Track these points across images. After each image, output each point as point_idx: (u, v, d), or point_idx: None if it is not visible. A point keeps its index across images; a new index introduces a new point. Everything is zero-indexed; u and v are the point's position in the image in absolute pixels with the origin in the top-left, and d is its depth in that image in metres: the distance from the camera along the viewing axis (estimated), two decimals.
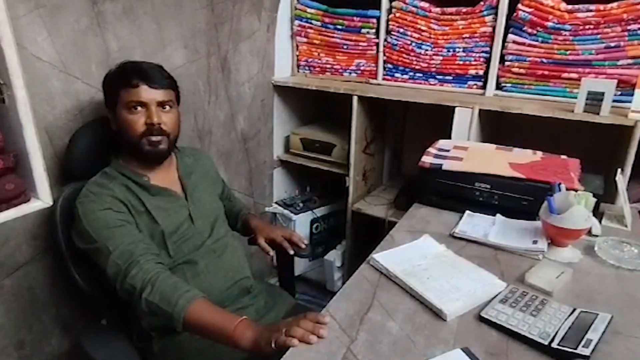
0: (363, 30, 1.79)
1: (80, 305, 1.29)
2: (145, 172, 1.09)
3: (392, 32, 1.74)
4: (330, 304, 0.88)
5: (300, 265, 2.17)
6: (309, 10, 1.87)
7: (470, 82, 1.67)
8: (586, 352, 0.71)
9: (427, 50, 1.69)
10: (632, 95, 1.29)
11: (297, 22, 1.93)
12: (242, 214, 1.38)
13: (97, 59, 1.24)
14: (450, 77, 1.70)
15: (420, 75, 1.75)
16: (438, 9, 1.63)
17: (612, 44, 1.38)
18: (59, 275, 1.22)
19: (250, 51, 1.77)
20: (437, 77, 1.72)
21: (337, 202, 2.15)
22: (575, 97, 1.37)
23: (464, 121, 1.51)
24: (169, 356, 1.05)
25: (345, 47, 1.86)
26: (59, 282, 1.23)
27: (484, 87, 1.64)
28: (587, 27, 1.40)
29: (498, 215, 1.20)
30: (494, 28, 1.54)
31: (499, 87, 1.61)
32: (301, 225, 2.07)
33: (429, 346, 0.77)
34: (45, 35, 1.11)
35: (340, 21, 1.82)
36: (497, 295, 0.88)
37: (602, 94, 1.32)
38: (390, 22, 1.73)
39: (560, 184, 1.08)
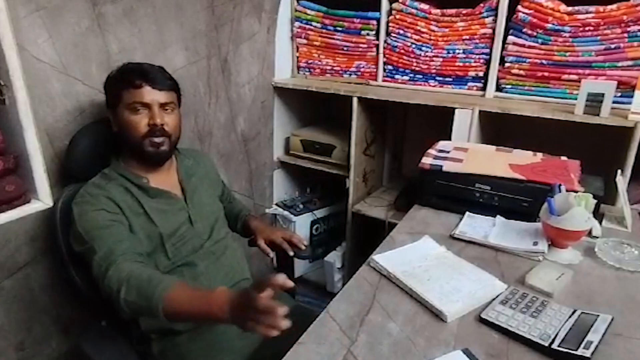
0: (363, 32, 1.79)
1: (80, 306, 1.29)
2: (145, 174, 1.09)
3: (392, 34, 1.74)
4: (330, 305, 0.88)
5: (301, 267, 2.17)
6: (309, 11, 1.88)
7: (470, 84, 1.67)
8: (587, 353, 0.71)
9: (427, 51, 1.69)
10: (632, 96, 1.29)
11: (297, 24, 1.93)
12: (242, 215, 1.38)
13: (97, 61, 1.24)
14: (450, 79, 1.70)
15: (420, 76, 1.76)
16: (438, 11, 1.64)
17: (612, 46, 1.39)
18: (59, 277, 1.22)
19: (251, 53, 1.78)
20: (437, 78, 1.73)
21: (337, 203, 2.15)
22: (575, 99, 1.38)
23: (464, 122, 1.51)
24: (168, 358, 1.05)
25: (345, 48, 1.86)
26: (59, 284, 1.23)
27: (484, 88, 1.64)
28: (586, 28, 1.41)
29: (498, 216, 1.20)
30: (493, 30, 1.55)
31: (499, 88, 1.62)
32: (301, 226, 2.07)
33: (430, 347, 0.76)
34: (46, 37, 1.11)
35: (340, 23, 1.82)
36: (497, 296, 0.88)
37: (602, 95, 1.32)
38: (390, 24, 1.74)
39: (560, 185, 1.08)
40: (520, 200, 1.18)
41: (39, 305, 1.22)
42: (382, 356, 0.75)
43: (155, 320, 0.86)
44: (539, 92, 1.54)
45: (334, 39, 1.87)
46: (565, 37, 1.44)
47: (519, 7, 1.48)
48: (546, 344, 0.74)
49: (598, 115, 1.33)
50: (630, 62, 1.38)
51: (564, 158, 1.31)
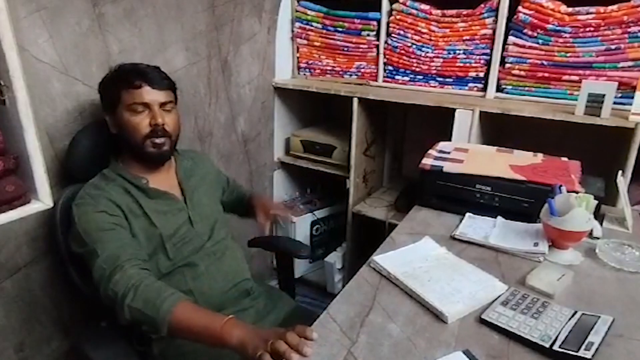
0: (363, 33, 1.79)
1: (80, 307, 1.28)
2: (144, 175, 1.09)
3: (393, 35, 1.74)
4: (330, 306, 0.88)
5: (301, 267, 2.17)
6: (309, 12, 1.88)
7: (470, 84, 1.67)
8: (588, 354, 0.70)
9: (427, 52, 1.69)
10: (632, 97, 1.29)
11: (297, 24, 1.93)
12: (247, 195, 1.41)
13: (98, 61, 1.24)
14: (451, 79, 1.70)
15: (421, 77, 1.76)
16: (438, 11, 1.64)
17: (613, 46, 1.38)
18: (59, 277, 1.22)
19: (251, 53, 1.78)
20: (438, 79, 1.73)
21: (338, 204, 2.15)
22: (576, 100, 1.38)
23: (464, 123, 1.51)
24: (168, 358, 1.05)
25: (345, 49, 1.86)
26: (59, 284, 1.23)
27: (484, 89, 1.64)
28: (587, 29, 1.40)
29: (499, 217, 1.20)
30: (494, 30, 1.55)
31: (499, 89, 1.62)
32: (301, 227, 2.07)
33: (430, 348, 0.76)
34: (47, 37, 1.11)
35: (341, 23, 1.82)
36: (498, 297, 0.88)
37: (603, 96, 1.32)
38: (390, 25, 1.74)
39: (561, 186, 1.08)
40: (521, 201, 1.18)
41: (39, 306, 1.22)
42: (383, 357, 0.75)
43: (154, 332, 0.85)
44: (540, 93, 1.54)
45: (334, 39, 1.87)
46: (565, 37, 1.44)
47: (520, 8, 1.48)
48: (547, 345, 0.74)
49: (599, 116, 1.33)
50: (630, 63, 1.38)
51: (564, 159, 1.31)
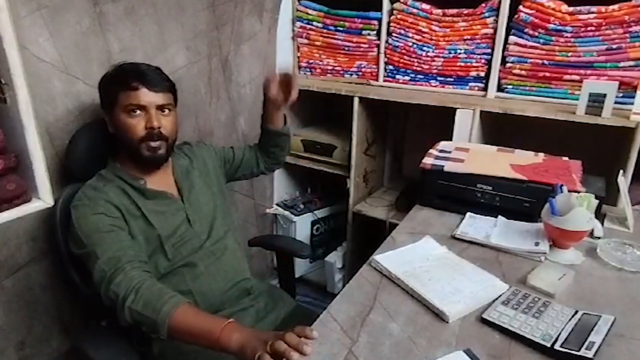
0: (364, 32, 1.79)
1: (80, 306, 1.28)
2: (141, 176, 1.08)
3: (393, 34, 1.74)
4: (331, 306, 0.88)
5: (301, 267, 2.17)
6: (310, 11, 1.88)
7: (471, 84, 1.67)
8: (589, 354, 0.70)
9: (428, 51, 1.69)
10: (633, 97, 1.29)
11: (298, 24, 1.93)
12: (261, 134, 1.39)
13: (98, 60, 1.24)
14: (452, 79, 1.70)
15: (422, 76, 1.75)
16: (439, 11, 1.64)
17: (614, 46, 1.38)
18: (59, 277, 1.21)
19: (252, 53, 1.77)
20: (439, 78, 1.72)
21: (338, 203, 2.15)
22: (577, 99, 1.37)
23: (465, 123, 1.51)
24: (169, 358, 1.05)
25: (346, 48, 1.86)
26: (60, 284, 1.23)
27: (485, 88, 1.63)
28: (588, 28, 1.40)
29: (500, 216, 1.20)
30: (495, 30, 1.54)
31: (500, 88, 1.61)
32: (302, 226, 2.07)
33: (431, 348, 0.76)
34: (47, 36, 1.11)
35: (342, 23, 1.82)
36: (499, 297, 0.88)
37: (604, 95, 1.32)
38: (391, 24, 1.73)
39: (562, 185, 1.07)
40: (522, 201, 1.18)
41: (39, 305, 1.22)
42: (384, 356, 0.74)
43: (154, 334, 0.85)
44: (541, 93, 1.54)
45: (335, 39, 1.87)
46: (566, 37, 1.44)
47: (521, 7, 1.48)
48: (548, 345, 0.74)
49: (600, 115, 1.33)
50: (632, 63, 1.37)
51: (565, 158, 1.31)
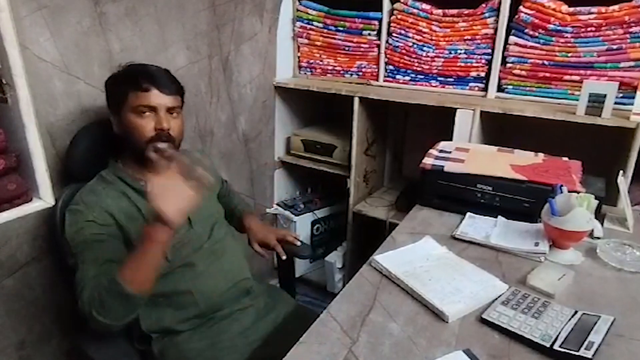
0: (364, 32, 1.79)
1: None
2: (143, 177, 1.08)
3: (394, 34, 1.74)
4: (331, 305, 0.88)
5: (301, 267, 2.17)
6: (310, 11, 1.88)
7: (471, 84, 1.67)
8: (588, 354, 0.70)
9: (428, 52, 1.69)
10: (633, 97, 1.29)
11: (298, 24, 1.93)
12: (237, 210, 1.38)
13: (99, 60, 1.24)
14: (452, 79, 1.70)
15: (422, 77, 1.76)
16: (439, 11, 1.64)
17: (614, 46, 1.38)
18: (59, 276, 1.21)
19: (252, 52, 1.78)
20: (439, 78, 1.73)
21: (338, 203, 2.15)
22: (577, 99, 1.38)
23: (465, 123, 1.51)
24: (169, 358, 1.05)
25: (346, 48, 1.86)
26: (60, 283, 1.22)
27: (485, 89, 1.64)
28: (588, 29, 1.40)
29: (499, 217, 1.20)
30: (495, 30, 1.54)
31: (500, 89, 1.61)
32: (302, 226, 2.07)
33: (431, 348, 0.76)
34: (48, 36, 1.11)
35: (342, 23, 1.82)
36: (498, 297, 0.88)
37: (604, 96, 1.32)
38: (391, 24, 1.73)
39: (562, 185, 1.08)
40: (522, 201, 1.18)
41: (40, 304, 1.22)
42: (384, 356, 0.75)
43: (134, 308, 0.88)
44: (541, 93, 1.54)
45: (335, 39, 1.87)
46: (567, 37, 1.44)
47: (521, 8, 1.48)
48: (547, 345, 0.74)
49: (600, 116, 1.33)
50: (632, 63, 1.37)
51: (565, 159, 1.31)
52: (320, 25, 1.88)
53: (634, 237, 1.14)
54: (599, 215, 1.15)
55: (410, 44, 1.72)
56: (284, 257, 1.29)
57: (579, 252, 1.06)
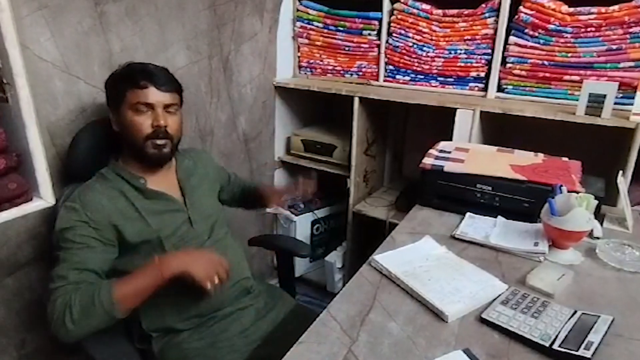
0: (364, 32, 1.79)
1: None
2: (143, 175, 1.08)
3: (394, 34, 1.74)
4: (331, 305, 0.88)
5: (301, 266, 2.17)
6: (310, 11, 1.88)
7: (471, 84, 1.67)
8: (587, 354, 0.71)
9: (428, 52, 1.69)
10: (633, 97, 1.29)
11: (298, 24, 1.93)
12: (251, 189, 1.41)
13: (99, 60, 1.24)
14: (452, 79, 1.70)
15: (422, 77, 1.76)
16: (439, 11, 1.64)
17: (614, 47, 1.38)
18: None
19: (252, 52, 1.78)
20: (439, 79, 1.73)
21: (338, 203, 2.15)
22: (577, 100, 1.38)
23: (465, 123, 1.51)
24: (169, 357, 1.05)
25: (346, 48, 1.86)
26: None
27: (485, 89, 1.64)
28: (588, 29, 1.40)
29: (499, 217, 1.20)
30: (495, 30, 1.55)
31: (500, 89, 1.62)
32: (302, 226, 2.07)
33: (430, 347, 0.77)
34: (48, 36, 1.12)
35: (342, 23, 1.82)
36: (498, 297, 0.88)
37: (604, 96, 1.32)
38: (391, 24, 1.74)
39: (561, 186, 1.08)
40: (521, 201, 1.18)
41: (40, 304, 1.22)
42: (383, 356, 0.75)
43: (109, 324, 0.89)
44: (541, 93, 1.54)
45: (335, 39, 1.87)
46: (566, 37, 1.44)
47: (521, 8, 1.48)
48: (547, 345, 0.74)
49: (599, 116, 1.33)
50: (632, 63, 1.38)
51: (565, 159, 1.31)
52: (321, 25, 1.88)
53: (633, 237, 1.14)
54: (599, 216, 1.15)
55: (410, 44, 1.72)
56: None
57: (579, 252, 1.06)
